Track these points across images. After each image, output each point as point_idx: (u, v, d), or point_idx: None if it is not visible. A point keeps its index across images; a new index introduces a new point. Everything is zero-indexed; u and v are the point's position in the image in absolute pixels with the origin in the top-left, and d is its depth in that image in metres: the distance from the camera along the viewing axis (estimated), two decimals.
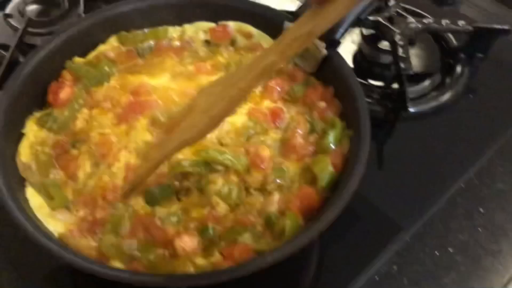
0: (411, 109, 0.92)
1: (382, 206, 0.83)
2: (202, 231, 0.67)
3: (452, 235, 0.82)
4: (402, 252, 0.79)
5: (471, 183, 0.88)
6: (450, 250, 0.80)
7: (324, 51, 0.80)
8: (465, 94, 0.99)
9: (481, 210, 0.84)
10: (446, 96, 0.97)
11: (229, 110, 0.62)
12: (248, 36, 0.88)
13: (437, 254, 0.80)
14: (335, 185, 0.70)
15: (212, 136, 0.74)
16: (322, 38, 0.80)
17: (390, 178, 0.87)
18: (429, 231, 0.82)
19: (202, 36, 0.89)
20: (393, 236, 0.80)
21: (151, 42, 0.88)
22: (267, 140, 0.75)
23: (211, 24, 0.89)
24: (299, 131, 0.75)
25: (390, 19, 0.99)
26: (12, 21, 1.01)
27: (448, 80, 1.00)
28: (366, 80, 1.00)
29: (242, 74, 0.58)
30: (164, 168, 0.71)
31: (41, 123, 0.76)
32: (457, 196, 0.87)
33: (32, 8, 1.03)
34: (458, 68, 1.01)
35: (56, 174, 0.72)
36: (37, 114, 0.78)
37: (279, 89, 0.82)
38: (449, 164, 0.90)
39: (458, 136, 0.94)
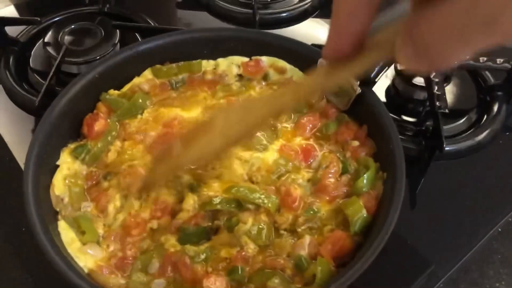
0: (447, 148, 0.89)
1: (414, 246, 0.81)
2: (230, 271, 0.66)
3: (488, 282, 0.79)
4: None
5: (508, 227, 0.84)
6: None
7: (358, 89, 0.79)
8: (502, 133, 0.96)
9: None
10: (482, 135, 0.94)
11: (244, 135, 0.64)
12: (281, 71, 0.88)
13: None
14: (368, 228, 0.68)
15: (243, 173, 0.74)
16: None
17: (422, 219, 0.85)
18: (463, 277, 0.79)
19: (235, 70, 0.89)
20: (425, 279, 0.77)
21: (185, 75, 0.89)
22: (298, 179, 0.74)
23: (245, 59, 0.90)
24: (332, 171, 0.74)
25: None
26: (50, 49, 1.04)
27: (484, 118, 0.97)
28: (399, 116, 0.98)
29: (260, 104, 0.60)
30: (195, 205, 0.71)
31: (75, 155, 0.77)
32: (493, 240, 0.83)
33: (69, 37, 1.06)
34: (495, 106, 0.98)
35: (88, 207, 0.73)
36: (72, 145, 0.79)
37: (311, 125, 0.81)
38: (485, 206, 0.86)
39: (496, 177, 0.91)
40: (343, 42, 0.41)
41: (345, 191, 0.73)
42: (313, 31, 1.19)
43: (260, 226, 0.69)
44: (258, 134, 0.78)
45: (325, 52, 0.43)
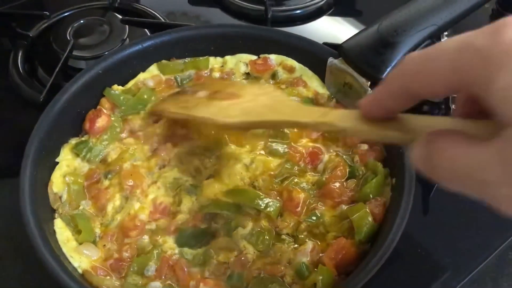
0: None
1: (426, 254, 0.78)
2: (228, 277, 0.64)
3: None
4: None
5: None
6: None
7: (369, 90, 0.76)
8: None
9: None
10: None
11: (259, 127, 0.64)
12: (290, 70, 0.85)
13: None
14: (374, 236, 0.65)
15: (244, 177, 0.72)
16: (367, 76, 0.76)
17: (436, 225, 0.81)
18: None
19: (243, 68, 0.87)
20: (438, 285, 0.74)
21: (191, 72, 0.87)
22: (302, 183, 0.71)
23: (253, 57, 0.87)
24: (338, 174, 0.71)
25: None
26: (58, 44, 1.03)
27: None
28: None
29: (286, 109, 0.57)
30: (194, 208, 0.69)
31: (76, 152, 0.76)
32: (509, 251, 0.79)
33: (78, 32, 1.05)
34: None
35: (86, 205, 0.71)
36: (73, 141, 0.78)
37: None
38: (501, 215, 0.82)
39: None
40: (378, 111, 0.43)
41: (351, 196, 0.69)
42: (328, 29, 1.15)
43: (261, 232, 0.66)
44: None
45: (361, 106, 0.44)
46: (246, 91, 0.64)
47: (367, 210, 0.65)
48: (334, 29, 1.15)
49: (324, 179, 0.72)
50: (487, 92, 0.34)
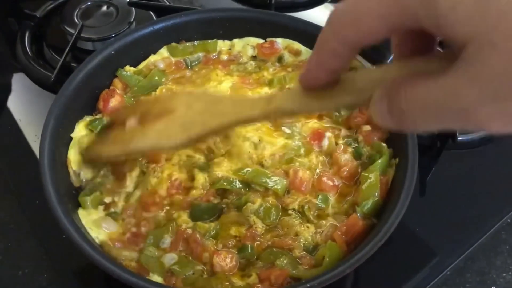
0: (460, 138, 0.89)
1: (422, 235, 0.82)
2: (240, 249, 0.67)
3: (495, 272, 0.79)
4: (442, 286, 0.77)
5: None
6: None
7: None
8: None
9: None
10: None
11: (207, 137, 0.62)
12: (296, 53, 0.88)
13: None
14: (379, 212, 0.69)
15: (252, 155, 0.74)
16: (370, 59, 0.79)
17: (432, 207, 0.85)
18: (471, 266, 0.80)
19: (250, 51, 0.89)
20: (432, 267, 0.78)
21: (200, 54, 0.89)
22: (308, 163, 0.74)
23: (260, 40, 0.90)
24: (345, 156, 0.74)
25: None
26: (66, 26, 1.04)
27: None
28: None
29: (229, 105, 0.54)
30: (206, 184, 0.72)
31: (90, 128, 0.78)
32: (502, 231, 0.84)
33: (85, 14, 1.06)
34: None
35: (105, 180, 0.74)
36: (88, 118, 0.80)
37: None
38: (494, 197, 0.86)
39: (508, 168, 0.90)
40: (321, 75, 0.41)
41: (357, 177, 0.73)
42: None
43: (268, 205, 0.70)
44: None
45: (302, 79, 0.43)
46: (176, 102, 0.59)
47: (378, 174, 0.69)
48: None
49: (331, 161, 0.74)
50: (434, 13, 0.33)
